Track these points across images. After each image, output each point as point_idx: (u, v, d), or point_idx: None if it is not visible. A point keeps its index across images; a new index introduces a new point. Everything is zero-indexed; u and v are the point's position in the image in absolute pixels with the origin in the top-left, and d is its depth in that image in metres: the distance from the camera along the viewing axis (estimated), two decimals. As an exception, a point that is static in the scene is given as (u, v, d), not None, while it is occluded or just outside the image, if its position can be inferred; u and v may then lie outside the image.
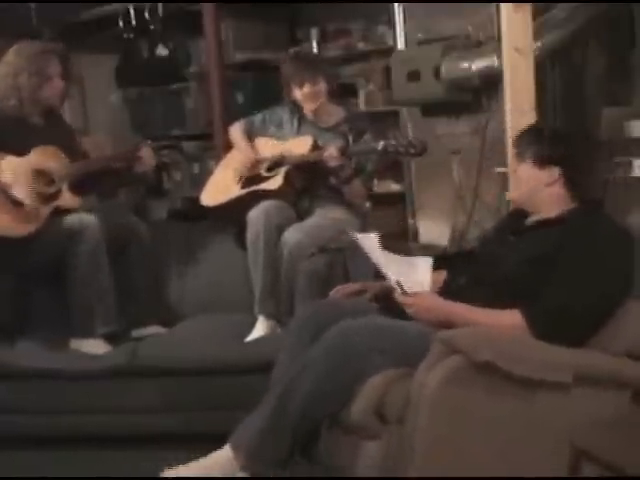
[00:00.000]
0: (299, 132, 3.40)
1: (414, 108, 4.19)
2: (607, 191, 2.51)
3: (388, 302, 2.45)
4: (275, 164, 3.35)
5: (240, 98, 5.23)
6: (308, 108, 3.37)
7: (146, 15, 5.13)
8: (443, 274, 2.60)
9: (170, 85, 5.62)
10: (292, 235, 3.11)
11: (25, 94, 3.15)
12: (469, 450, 2.06)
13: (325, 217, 3.25)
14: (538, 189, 2.35)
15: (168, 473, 2.33)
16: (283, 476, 2.25)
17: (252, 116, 3.58)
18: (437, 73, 3.78)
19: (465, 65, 3.70)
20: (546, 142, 2.36)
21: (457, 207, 3.92)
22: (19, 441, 2.97)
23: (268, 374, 2.47)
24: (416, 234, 4.39)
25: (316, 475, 2.34)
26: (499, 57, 3.28)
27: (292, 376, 2.25)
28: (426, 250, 4.16)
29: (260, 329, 3.12)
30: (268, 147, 3.43)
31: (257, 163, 3.40)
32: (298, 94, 3.34)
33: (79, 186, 3.23)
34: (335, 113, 3.42)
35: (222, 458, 2.28)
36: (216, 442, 2.40)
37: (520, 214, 2.49)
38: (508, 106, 2.86)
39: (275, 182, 3.29)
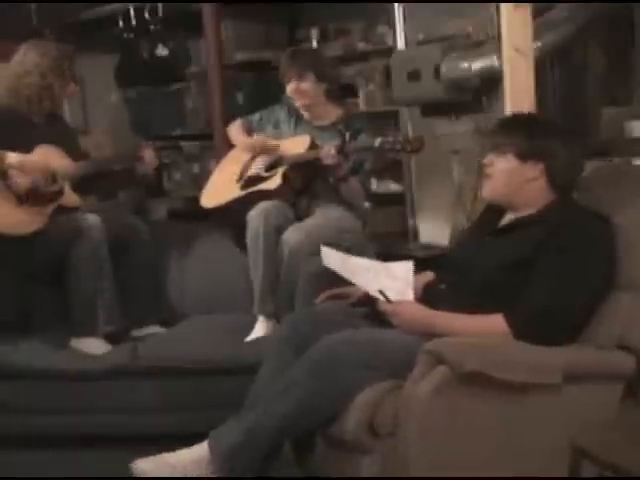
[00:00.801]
0: (296, 131, 3.41)
1: (414, 108, 4.19)
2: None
3: (372, 308, 2.41)
4: (273, 164, 3.35)
5: (240, 98, 5.23)
6: (298, 104, 3.37)
7: (146, 15, 5.13)
8: (425, 277, 2.56)
9: (170, 85, 5.62)
10: (292, 235, 3.11)
11: (57, 93, 3.19)
12: (463, 458, 2.05)
13: (325, 217, 3.26)
14: (519, 184, 2.29)
15: (142, 463, 2.31)
16: (283, 476, 2.25)
17: (250, 115, 3.58)
18: (437, 73, 3.78)
19: (465, 65, 3.70)
20: (527, 134, 2.29)
21: (457, 207, 3.92)
22: (19, 441, 2.97)
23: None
24: (416, 234, 4.39)
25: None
26: (499, 57, 3.29)
27: (274, 395, 2.22)
28: (426, 250, 4.17)
29: (260, 329, 3.13)
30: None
31: (265, 149, 3.38)
32: (287, 90, 3.36)
33: (81, 186, 3.24)
34: (332, 113, 3.42)
35: (199, 456, 2.26)
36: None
37: (494, 212, 2.43)
38: (508, 106, 2.85)
39: (273, 182, 3.29)
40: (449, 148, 4.00)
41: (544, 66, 3.69)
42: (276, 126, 3.48)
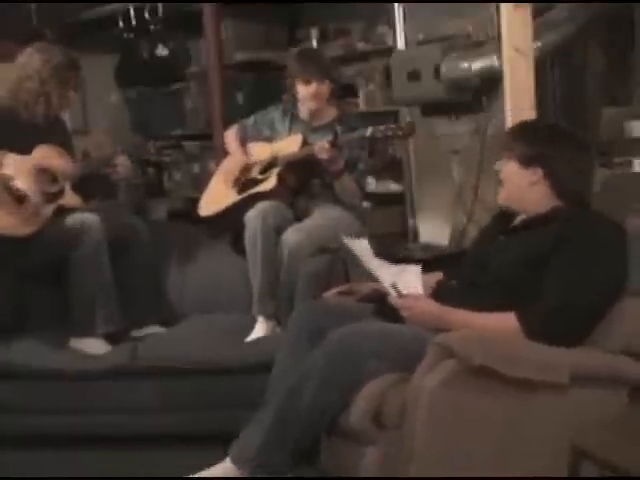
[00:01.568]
0: (291, 131, 3.41)
1: (414, 108, 4.19)
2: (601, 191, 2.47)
3: (379, 304, 2.43)
4: (268, 166, 3.35)
5: (240, 98, 5.23)
6: (310, 106, 3.36)
7: (146, 15, 5.14)
8: (435, 276, 2.58)
9: (170, 85, 5.62)
10: (292, 235, 3.11)
11: (54, 100, 3.17)
12: (468, 452, 2.05)
13: (324, 217, 3.25)
14: (523, 188, 2.33)
15: None
16: (284, 476, 2.25)
17: (245, 120, 3.58)
18: (437, 73, 3.78)
19: (465, 65, 3.70)
20: (529, 141, 2.33)
21: (457, 207, 3.92)
22: (19, 441, 2.97)
23: (268, 374, 2.47)
24: (416, 234, 4.39)
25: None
26: (499, 57, 3.29)
27: (292, 387, 2.23)
28: (426, 250, 4.17)
29: (260, 329, 3.12)
30: (261, 151, 3.44)
31: (249, 167, 3.42)
32: (302, 91, 3.34)
33: (80, 187, 3.24)
34: (329, 113, 3.42)
35: (225, 471, 2.26)
36: (216, 442, 2.40)
37: (508, 214, 2.46)
38: (508, 106, 2.86)
39: (269, 183, 3.29)
40: (449, 148, 4.00)
41: (544, 66, 3.69)
42: (271, 127, 3.48)
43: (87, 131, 5.40)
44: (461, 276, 2.43)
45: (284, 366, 2.39)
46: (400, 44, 4.25)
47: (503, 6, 2.82)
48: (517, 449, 2.10)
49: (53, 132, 3.26)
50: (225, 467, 2.27)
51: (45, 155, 3.16)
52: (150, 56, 5.35)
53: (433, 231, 4.26)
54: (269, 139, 3.45)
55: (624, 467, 1.76)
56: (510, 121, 2.85)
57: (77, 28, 5.02)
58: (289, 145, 3.33)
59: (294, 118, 3.43)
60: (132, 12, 5.14)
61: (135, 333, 3.23)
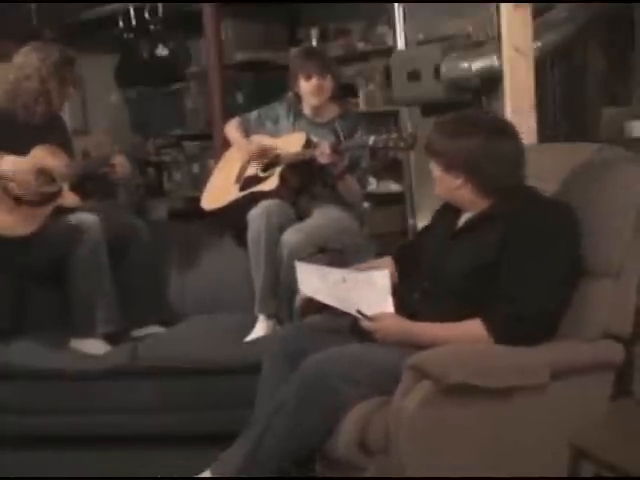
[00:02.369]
0: (295, 127, 3.41)
1: (414, 108, 4.19)
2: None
3: (354, 322, 2.39)
4: (270, 164, 3.36)
5: (240, 98, 5.23)
6: (311, 102, 3.36)
7: (146, 15, 5.13)
8: (387, 262, 2.55)
9: (170, 85, 5.62)
10: (292, 235, 3.11)
11: (54, 98, 3.17)
12: (458, 465, 2.04)
13: (324, 218, 3.25)
14: (452, 191, 2.28)
15: None
16: (283, 476, 2.25)
17: (248, 114, 3.58)
18: (437, 73, 3.78)
19: (465, 65, 3.70)
20: (443, 145, 2.24)
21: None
22: (19, 441, 2.97)
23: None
24: (416, 234, 4.39)
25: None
26: (499, 57, 3.28)
27: (268, 415, 2.22)
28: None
29: (260, 329, 3.12)
30: (264, 142, 3.44)
31: (261, 152, 3.39)
32: (304, 87, 3.34)
33: (79, 187, 3.24)
34: (331, 110, 3.43)
35: None
36: (216, 442, 2.40)
37: (451, 210, 2.39)
38: (508, 106, 2.86)
39: (271, 183, 3.29)
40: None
41: (544, 66, 3.69)
42: (275, 122, 3.48)
43: (87, 131, 5.40)
44: (418, 286, 2.36)
45: (264, 399, 2.37)
46: (400, 44, 4.26)
47: (503, 6, 2.82)
48: (507, 454, 2.08)
49: (51, 131, 3.25)
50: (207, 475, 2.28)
51: (43, 155, 3.15)
52: (150, 56, 5.34)
53: (433, 231, 4.25)
54: (272, 134, 3.45)
55: (623, 466, 1.76)
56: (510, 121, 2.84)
57: (77, 28, 5.02)
58: (292, 144, 3.32)
59: (297, 114, 3.44)
60: (132, 12, 5.13)
61: (135, 333, 3.23)
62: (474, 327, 2.14)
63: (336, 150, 3.14)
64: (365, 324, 2.28)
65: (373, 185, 4.61)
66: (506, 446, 2.08)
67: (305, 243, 3.08)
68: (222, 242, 3.50)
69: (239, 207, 3.28)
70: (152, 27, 5.19)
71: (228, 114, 4.41)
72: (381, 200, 4.60)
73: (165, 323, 3.31)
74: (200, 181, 4.89)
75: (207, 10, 4.63)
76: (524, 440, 2.08)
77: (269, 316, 3.14)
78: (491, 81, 3.59)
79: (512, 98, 2.84)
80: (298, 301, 2.63)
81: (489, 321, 2.13)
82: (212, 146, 4.84)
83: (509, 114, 2.85)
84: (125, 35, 5.28)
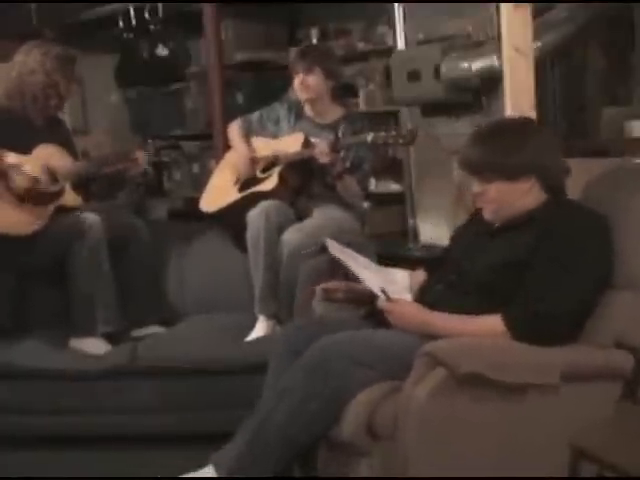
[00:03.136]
0: (295, 128, 3.41)
1: (414, 108, 4.19)
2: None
3: (368, 309, 2.40)
4: (269, 165, 3.36)
5: (240, 98, 5.23)
6: (301, 97, 3.39)
7: (146, 15, 5.14)
8: (420, 275, 2.54)
9: (170, 85, 5.62)
10: (292, 236, 3.11)
11: (63, 91, 3.19)
12: (462, 460, 2.04)
13: (324, 217, 3.25)
14: (516, 198, 2.24)
15: None
16: (283, 476, 2.25)
17: (250, 115, 3.59)
18: (437, 73, 3.78)
19: (465, 65, 3.70)
20: (509, 154, 2.21)
21: (457, 207, 3.92)
22: (19, 441, 2.97)
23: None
24: (416, 234, 4.39)
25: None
26: (499, 57, 3.29)
27: (271, 401, 2.21)
28: (426, 250, 4.17)
29: (260, 329, 3.12)
30: (263, 146, 3.44)
31: (253, 162, 3.41)
32: (294, 84, 3.38)
33: (80, 186, 3.25)
34: (334, 111, 3.43)
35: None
36: (216, 442, 2.40)
37: (479, 221, 2.40)
38: (508, 106, 2.85)
39: (270, 183, 3.29)
40: (449, 148, 4.00)
41: (544, 66, 3.69)
42: (276, 123, 3.49)
43: (87, 131, 5.40)
44: (446, 280, 2.38)
45: (271, 390, 2.35)
46: (400, 44, 4.26)
47: (503, 6, 2.82)
48: (513, 452, 2.08)
49: (52, 132, 3.26)
50: (208, 469, 2.28)
51: (45, 155, 3.16)
52: (150, 56, 5.35)
53: (433, 231, 4.26)
54: (274, 135, 3.46)
55: (624, 467, 1.76)
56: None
57: (77, 28, 5.02)
58: (291, 144, 3.33)
59: (299, 115, 3.44)
60: (132, 12, 5.14)
61: (135, 333, 3.23)
62: (493, 322, 2.16)
63: (334, 148, 3.14)
64: (382, 303, 2.27)
65: (373, 185, 4.61)
66: (511, 444, 2.08)
67: (305, 243, 3.08)
68: (222, 242, 3.49)
69: (238, 208, 3.29)
70: (152, 27, 5.19)
71: (228, 114, 4.41)
72: (381, 200, 4.60)
73: (165, 323, 3.31)
74: (200, 181, 4.90)
75: (207, 10, 4.62)
76: (530, 440, 2.08)
77: (269, 316, 3.14)
78: (491, 81, 3.59)
79: (512, 98, 2.84)
80: (318, 290, 2.60)
81: (510, 317, 2.14)
82: (212, 146, 4.84)
83: (509, 114, 2.85)
84: (125, 35, 5.29)
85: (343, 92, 4.18)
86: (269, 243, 3.12)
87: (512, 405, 2.07)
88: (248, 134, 3.51)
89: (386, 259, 2.89)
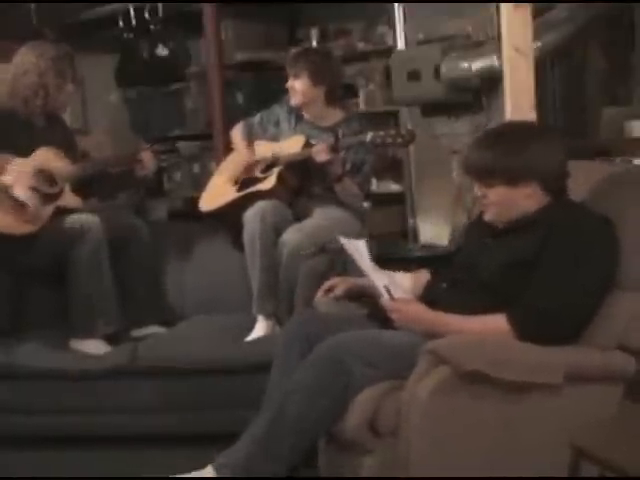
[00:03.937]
0: (296, 130, 3.41)
1: (414, 108, 4.19)
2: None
3: (373, 308, 2.41)
4: (269, 165, 3.36)
5: (240, 98, 5.23)
6: (292, 101, 3.40)
7: (146, 15, 5.13)
8: (424, 275, 2.56)
9: (170, 85, 5.62)
10: (292, 236, 3.11)
11: (52, 92, 3.18)
12: (464, 457, 2.05)
13: (324, 217, 3.26)
14: (517, 202, 2.25)
15: None
16: (282, 476, 2.25)
17: (251, 118, 3.60)
18: (437, 73, 3.78)
19: (465, 65, 3.70)
20: (511, 158, 2.21)
21: (457, 207, 3.92)
22: (19, 441, 2.97)
23: (268, 374, 2.47)
24: (416, 234, 4.39)
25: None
26: (499, 57, 3.29)
27: (282, 399, 2.22)
28: (426, 250, 4.17)
29: (260, 329, 3.12)
30: (264, 149, 3.45)
31: (252, 165, 3.43)
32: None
33: (80, 188, 3.24)
34: (333, 115, 3.43)
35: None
36: (216, 442, 2.40)
37: (483, 224, 2.40)
38: (508, 106, 2.85)
39: (269, 182, 3.30)
40: (449, 148, 4.00)
41: (544, 66, 3.69)
42: (276, 125, 3.49)
43: (87, 131, 5.39)
44: (451, 279, 2.39)
45: (277, 384, 2.36)
46: (400, 44, 4.26)
47: (503, 6, 2.82)
48: (514, 451, 2.09)
49: (53, 132, 3.26)
50: (205, 471, 2.28)
51: (45, 157, 3.16)
52: (150, 56, 5.35)
53: (433, 231, 4.26)
54: (274, 138, 3.46)
55: (624, 467, 1.76)
56: (510, 121, 2.84)
57: (77, 28, 5.01)
58: (291, 145, 3.34)
59: (299, 118, 3.44)
60: (132, 12, 5.13)
61: (135, 333, 3.23)
62: (498, 321, 2.16)
63: (333, 148, 3.14)
64: (385, 302, 2.28)
65: (373, 185, 4.61)
66: (512, 443, 2.09)
67: (305, 243, 3.09)
68: (222, 242, 3.49)
69: (237, 208, 3.29)
70: (152, 27, 5.19)
71: (228, 114, 4.42)
72: (381, 200, 4.60)
73: (165, 323, 3.31)
74: (200, 181, 4.89)
75: (207, 10, 4.62)
76: (530, 439, 2.09)
77: (267, 316, 3.14)
78: (491, 81, 3.59)
79: (512, 98, 2.84)
80: (325, 285, 2.61)
81: (514, 316, 2.15)
82: (212, 146, 4.84)
83: (509, 114, 2.85)
84: (125, 35, 5.28)
85: (343, 92, 4.18)
86: (265, 243, 3.12)
87: (514, 404, 2.08)
88: (250, 137, 3.52)
89: (386, 259, 2.89)
